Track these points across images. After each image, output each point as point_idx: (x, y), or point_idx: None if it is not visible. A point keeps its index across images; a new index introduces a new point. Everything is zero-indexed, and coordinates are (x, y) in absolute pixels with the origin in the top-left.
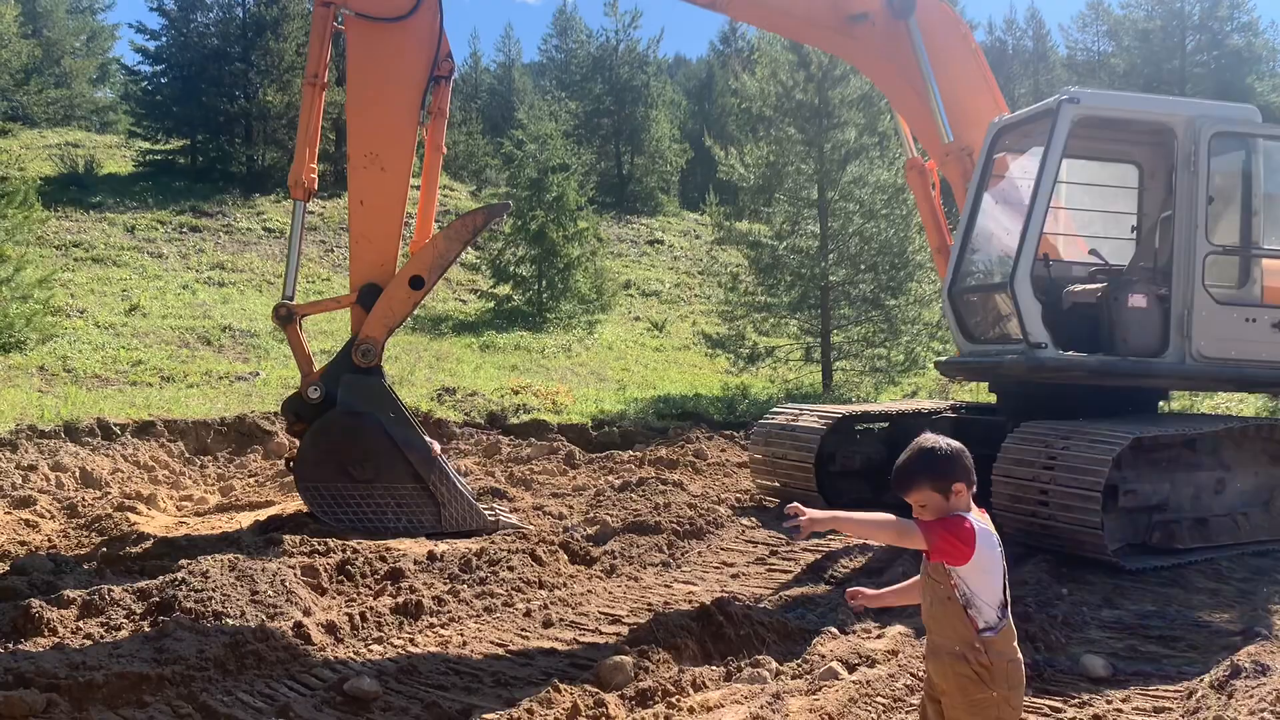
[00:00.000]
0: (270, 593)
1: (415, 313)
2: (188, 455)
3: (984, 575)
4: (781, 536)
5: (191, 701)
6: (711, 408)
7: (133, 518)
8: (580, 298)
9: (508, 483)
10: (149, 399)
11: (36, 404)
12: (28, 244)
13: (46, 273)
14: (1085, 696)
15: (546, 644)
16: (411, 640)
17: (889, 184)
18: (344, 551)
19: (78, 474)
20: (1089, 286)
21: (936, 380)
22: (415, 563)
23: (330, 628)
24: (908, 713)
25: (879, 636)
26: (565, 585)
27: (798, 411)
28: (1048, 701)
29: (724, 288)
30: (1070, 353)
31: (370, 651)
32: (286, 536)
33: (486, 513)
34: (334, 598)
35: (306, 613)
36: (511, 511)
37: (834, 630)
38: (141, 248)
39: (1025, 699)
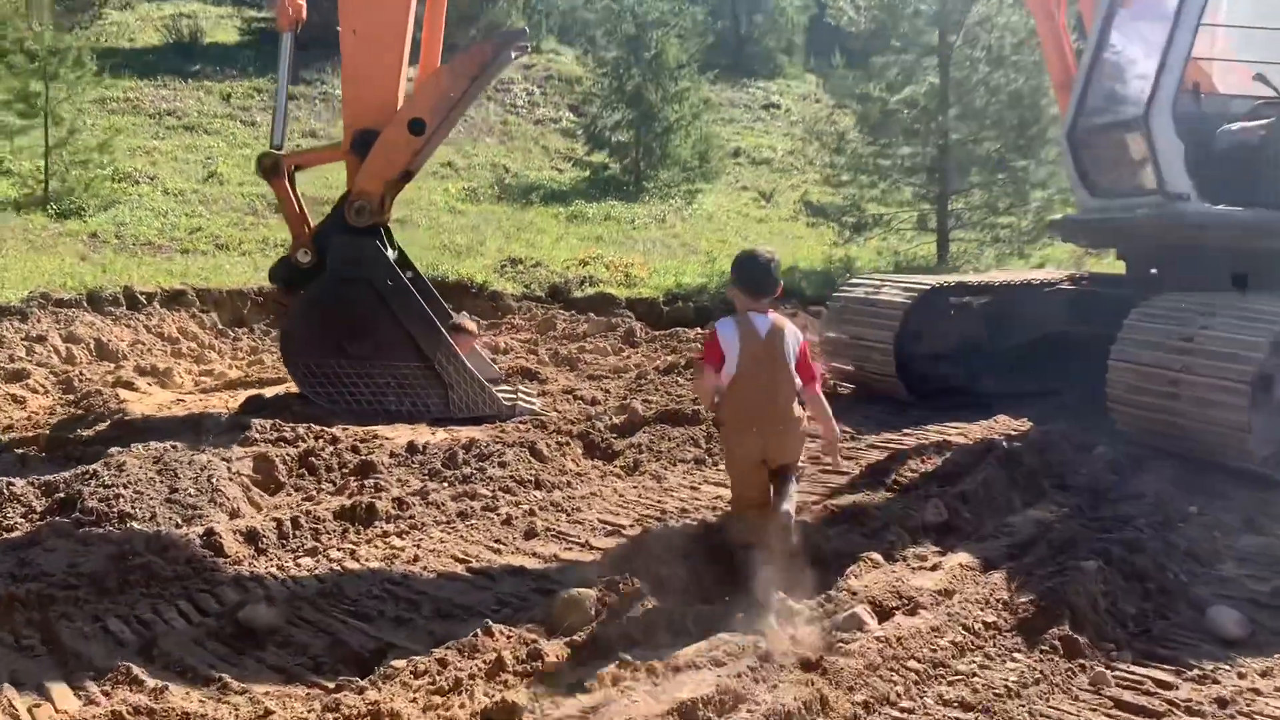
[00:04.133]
0: (192, 491)
1: (506, 180)
2: (221, 326)
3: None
4: (845, 430)
5: (43, 629)
6: (805, 281)
7: (125, 395)
8: (682, 165)
9: (551, 361)
10: (187, 268)
11: (66, 271)
12: (82, 107)
13: (107, 137)
14: (1208, 666)
15: (519, 561)
16: (352, 553)
17: (1020, 25)
18: (315, 440)
19: (92, 345)
20: (1250, 124)
21: (1070, 252)
22: (392, 455)
23: (251, 536)
24: (950, 683)
25: (933, 568)
26: (567, 485)
27: (879, 282)
28: (1154, 672)
29: (829, 149)
30: (1220, 206)
31: (297, 566)
32: (257, 421)
33: (503, 396)
34: (288, 494)
35: (234, 515)
36: (539, 394)
37: (876, 557)
38: (235, 115)
39: (1124, 667)
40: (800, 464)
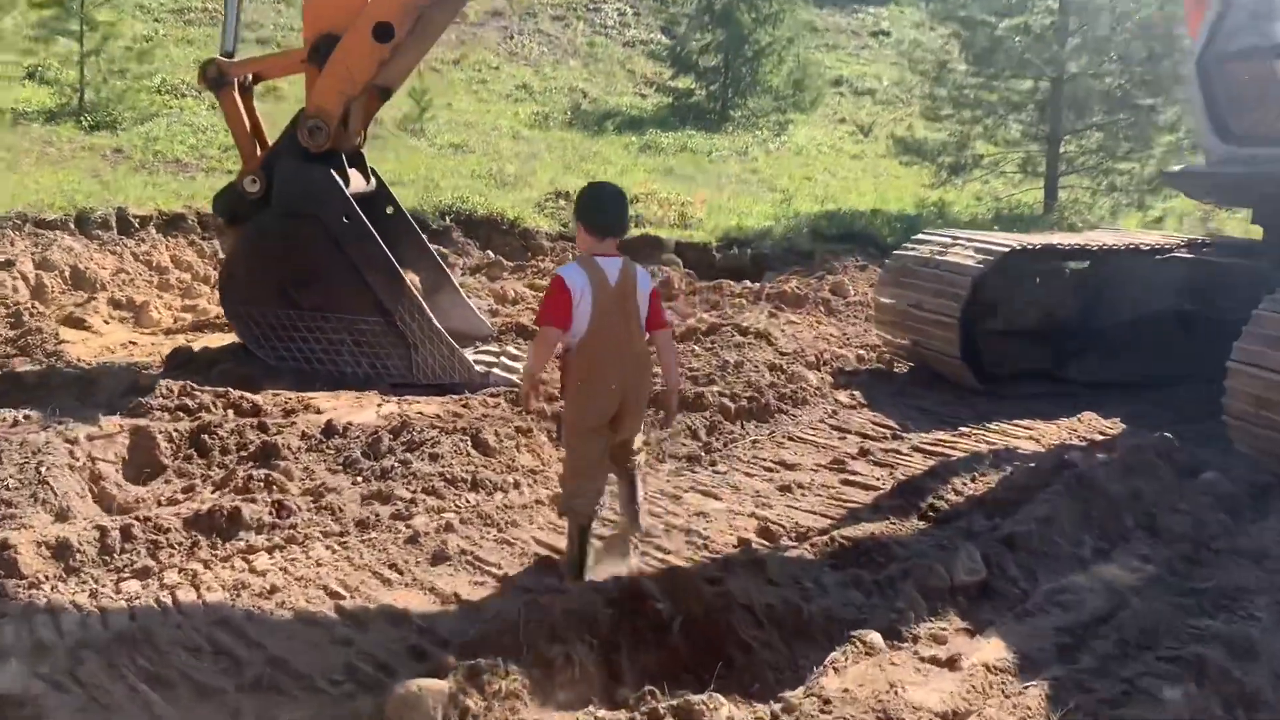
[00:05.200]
0: (13, 483)
1: (582, 106)
2: (222, 255)
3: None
4: (887, 425)
5: None
6: (887, 228)
7: (69, 335)
8: (774, 93)
9: None
10: (199, 189)
11: (65, 188)
12: (122, 10)
13: (147, 47)
14: None
15: (407, 599)
16: (194, 576)
17: None
18: (224, 410)
19: (67, 273)
20: None
21: (1197, 206)
22: (304, 437)
23: (62, 550)
24: None
25: (949, 663)
26: (512, 488)
27: (949, 240)
28: None
29: (929, 79)
30: None
31: (115, 594)
32: (164, 382)
33: (480, 361)
34: (167, 481)
35: (61, 516)
36: None
37: (873, 639)
38: None
39: None
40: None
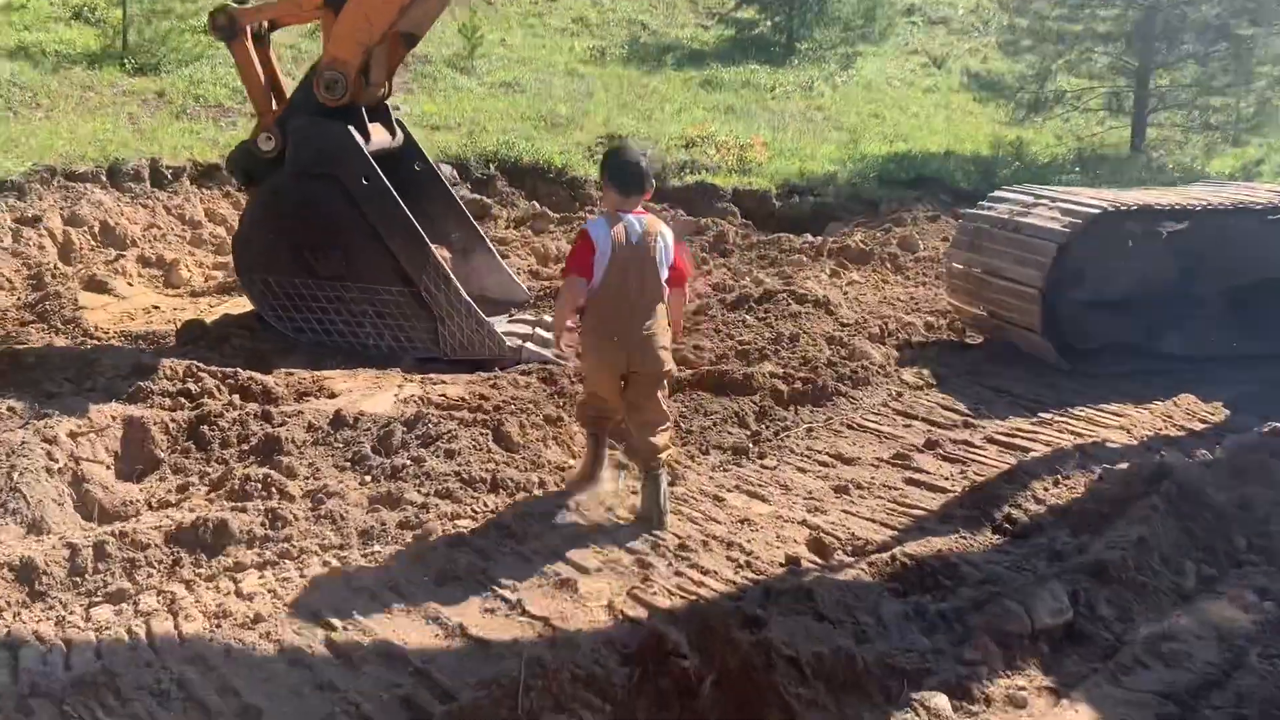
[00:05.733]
0: None
1: (641, 39)
2: None
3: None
4: (958, 410)
5: None
6: (960, 172)
7: (88, 300)
8: (843, 23)
9: None
10: (238, 136)
11: (100, 137)
12: None
13: None
14: None
15: (406, 632)
16: (173, 601)
17: None
18: (230, 395)
19: (96, 229)
20: None
21: None
22: (311, 429)
23: (27, 571)
24: None
25: None
26: (536, 486)
27: (1031, 199)
28: None
29: (1008, 9)
30: None
31: (84, 623)
32: (167, 362)
33: (512, 334)
34: (162, 479)
35: (33, 527)
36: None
37: (936, 705)
38: None
39: None
40: (878, 459)
